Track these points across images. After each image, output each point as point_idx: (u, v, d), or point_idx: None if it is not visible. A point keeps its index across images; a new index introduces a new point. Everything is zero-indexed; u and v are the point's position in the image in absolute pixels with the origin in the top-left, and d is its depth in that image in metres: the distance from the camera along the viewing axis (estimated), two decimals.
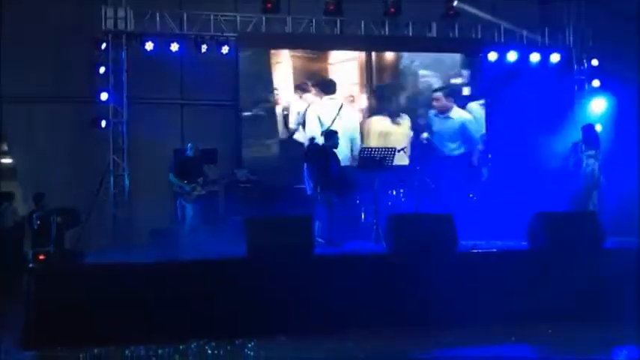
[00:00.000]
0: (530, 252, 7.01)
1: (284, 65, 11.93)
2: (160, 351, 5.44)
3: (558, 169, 12.19)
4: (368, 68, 12.27)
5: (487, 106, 12.43)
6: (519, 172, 10.71)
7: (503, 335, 5.80)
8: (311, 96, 11.84)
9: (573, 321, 6.17)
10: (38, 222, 6.45)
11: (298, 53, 12.00)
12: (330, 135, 9.12)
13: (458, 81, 12.50)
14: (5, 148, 12.10)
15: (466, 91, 12.52)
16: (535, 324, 6.05)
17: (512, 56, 12.43)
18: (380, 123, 12.06)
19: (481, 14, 12.16)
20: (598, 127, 9.90)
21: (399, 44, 12.46)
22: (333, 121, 11.73)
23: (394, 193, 10.46)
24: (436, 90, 12.36)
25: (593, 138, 8.74)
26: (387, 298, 6.34)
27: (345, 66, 12.19)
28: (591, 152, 8.61)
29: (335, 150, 8.94)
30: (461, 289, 6.35)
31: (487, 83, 12.47)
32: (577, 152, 8.79)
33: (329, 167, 8.73)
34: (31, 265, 5.99)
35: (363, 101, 12.16)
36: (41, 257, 6.01)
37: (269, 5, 11.68)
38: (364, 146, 8.45)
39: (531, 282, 6.49)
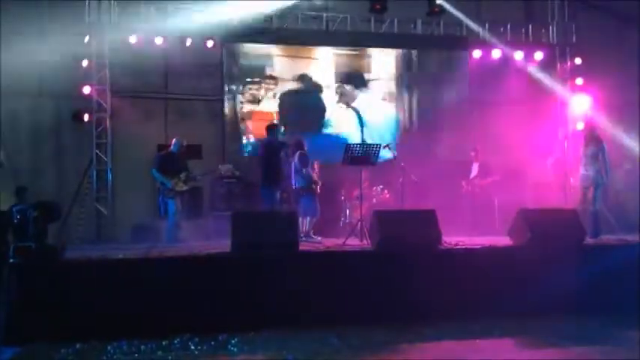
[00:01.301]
0: (512, 248, 7.06)
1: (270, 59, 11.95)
2: (142, 346, 5.40)
3: (551, 167, 12.36)
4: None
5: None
6: (507, 169, 10.79)
7: (487, 329, 5.84)
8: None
9: (555, 315, 6.24)
10: (18, 216, 6.36)
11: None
12: (271, 129, 9.08)
13: None
14: None
15: None
16: (519, 318, 6.10)
17: (496, 54, 12.51)
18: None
19: (461, 16, 12.22)
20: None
21: (386, 41, 12.47)
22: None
23: (379, 189, 10.49)
24: None
25: (595, 137, 8.80)
26: (371, 294, 6.36)
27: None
28: (593, 151, 8.66)
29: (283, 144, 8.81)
30: (445, 285, 6.39)
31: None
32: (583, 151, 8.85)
33: (276, 162, 8.68)
34: (12, 260, 5.92)
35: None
36: (22, 252, 5.94)
37: None
38: (349, 142, 8.42)
39: (514, 277, 6.54)
